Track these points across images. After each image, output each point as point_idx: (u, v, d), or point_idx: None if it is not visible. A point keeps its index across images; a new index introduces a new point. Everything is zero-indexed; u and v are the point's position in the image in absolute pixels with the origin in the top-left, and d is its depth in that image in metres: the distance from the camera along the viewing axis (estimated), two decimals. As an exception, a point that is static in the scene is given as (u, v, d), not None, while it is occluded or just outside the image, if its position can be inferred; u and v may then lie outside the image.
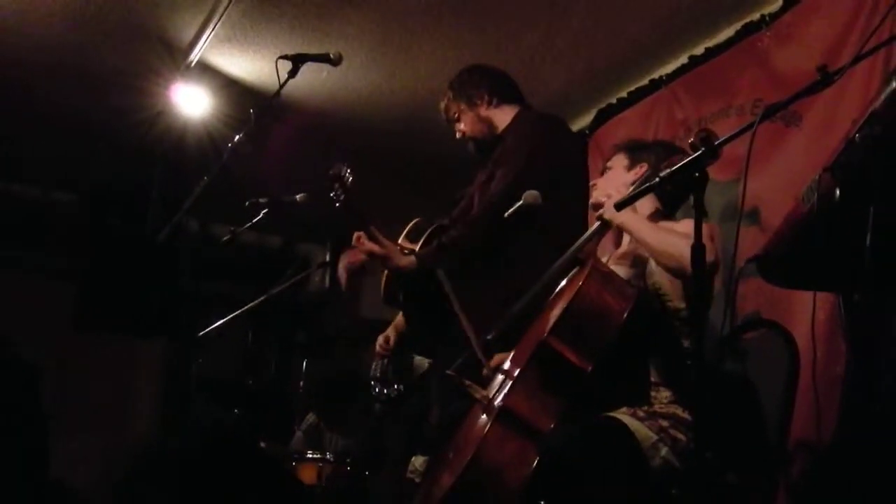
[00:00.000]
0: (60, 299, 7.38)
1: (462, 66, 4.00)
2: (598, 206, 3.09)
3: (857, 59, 2.14)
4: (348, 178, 3.36)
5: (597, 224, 3.00)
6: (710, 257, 2.52)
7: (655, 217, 3.09)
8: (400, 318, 4.30)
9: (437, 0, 4.93)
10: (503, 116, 3.76)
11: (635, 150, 3.22)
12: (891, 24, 3.55)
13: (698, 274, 2.22)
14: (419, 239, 3.74)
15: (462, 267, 3.38)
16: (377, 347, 4.44)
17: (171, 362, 7.73)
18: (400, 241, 3.75)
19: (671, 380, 2.80)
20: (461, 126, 3.80)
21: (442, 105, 3.88)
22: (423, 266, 3.37)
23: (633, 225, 2.86)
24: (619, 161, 3.22)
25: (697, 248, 2.23)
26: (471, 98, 3.77)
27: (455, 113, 3.81)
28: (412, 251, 3.54)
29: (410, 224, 3.92)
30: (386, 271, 3.70)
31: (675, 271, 2.71)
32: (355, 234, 3.41)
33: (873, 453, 2.13)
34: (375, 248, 3.36)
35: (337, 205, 3.37)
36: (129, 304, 7.14)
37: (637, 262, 2.97)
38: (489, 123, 3.76)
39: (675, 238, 2.69)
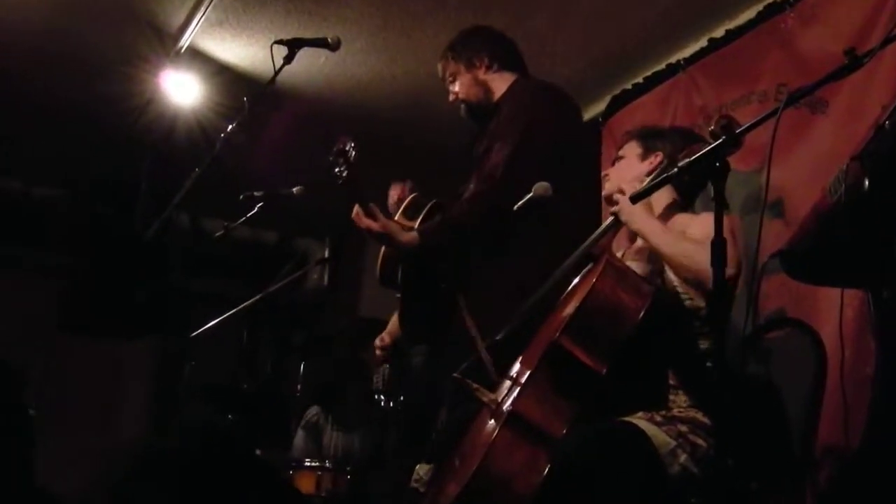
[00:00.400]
0: (46, 297, 7.39)
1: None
2: (610, 198, 3.08)
3: (887, 40, 2.13)
4: (352, 154, 3.35)
5: (610, 219, 2.99)
6: (730, 270, 2.50)
7: (672, 209, 3.08)
8: (395, 319, 4.31)
9: (442, -19, 4.93)
10: (501, 83, 3.74)
11: (649, 138, 3.21)
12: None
13: (719, 271, 2.20)
14: (417, 216, 3.75)
15: (464, 245, 3.40)
16: (376, 351, 4.44)
17: (161, 364, 7.73)
18: (396, 218, 3.75)
19: (690, 383, 2.79)
20: (455, 88, 3.78)
21: (439, 65, 3.86)
22: (425, 242, 3.36)
23: (649, 232, 2.83)
24: (632, 149, 3.21)
25: (718, 244, 2.22)
26: (470, 60, 3.75)
27: (452, 74, 3.79)
28: (412, 228, 3.53)
29: (407, 200, 3.93)
30: (383, 250, 3.72)
31: (692, 283, 2.71)
32: (354, 210, 3.38)
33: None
34: (375, 224, 3.33)
35: (339, 181, 3.36)
36: (117, 304, 7.14)
37: (654, 257, 2.95)
38: (485, 88, 3.74)
39: (692, 248, 2.67)
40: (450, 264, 3.44)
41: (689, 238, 2.79)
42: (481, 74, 3.74)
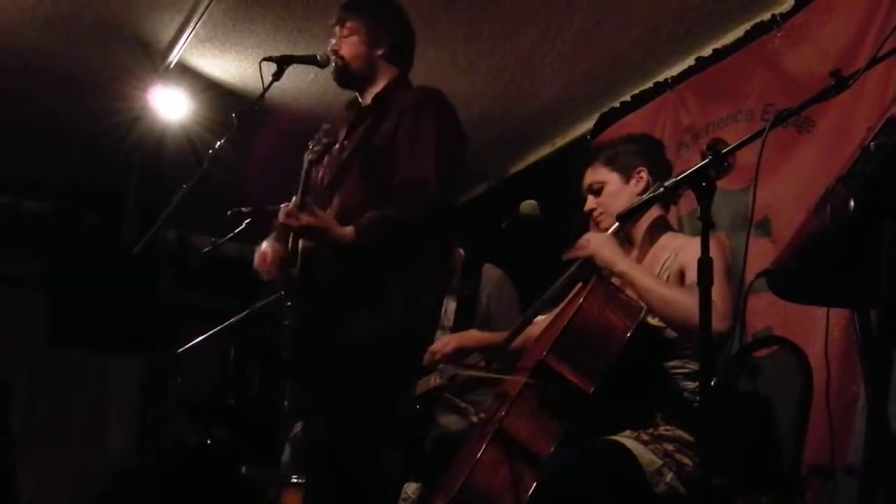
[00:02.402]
0: (33, 311, 7.37)
1: (456, 68, 3.95)
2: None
3: (872, 62, 2.14)
4: (331, 147, 3.29)
5: (576, 266, 2.99)
6: (716, 326, 2.46)
7: (659, 229, 3.10)
8: None
9: (431, -1, 4.94)
10: (385, 74, 3.58)
11: (616, 159, 3.21)
12: (908, 25, 3.56)
13: (704, 289, 2.21)
14: None
15: (396, 247, 3.24)
16: None
17: (147, 379, 7.70)
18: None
19: (679, 401, 2.80)
20: (341, 43, 3.57)
21: (342, 10, 3.64)
22: (361, 237, 3.18)
23: (635, 277, 2.84)
24: (604, 174, 3.20)
25: (705, 262, 2.22)
26: (376, 34, 3.57)
27: (350, 30, 3.57)
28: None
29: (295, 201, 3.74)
30: (301, 249, 3.45)
31: (680, 333, 2.72)
32: (283, 210, 3.19)
33: (890, 479, 2.13)
34: (312, 219, 3.16)
35: (304, 166, 3.24)
36: (103, 319, 7.12)
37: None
38: (371, 70, 3.57)
39: (681, 297, 2.68)
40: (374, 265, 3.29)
41: (678, 286, 2.79)
42: (375, 56, 3.57)
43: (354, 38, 3.56)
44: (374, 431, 3.11)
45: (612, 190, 3.18)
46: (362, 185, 3.41)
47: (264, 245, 3.55)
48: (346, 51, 3.54)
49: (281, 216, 3.20)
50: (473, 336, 3.16)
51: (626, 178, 3.17)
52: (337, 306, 3.29)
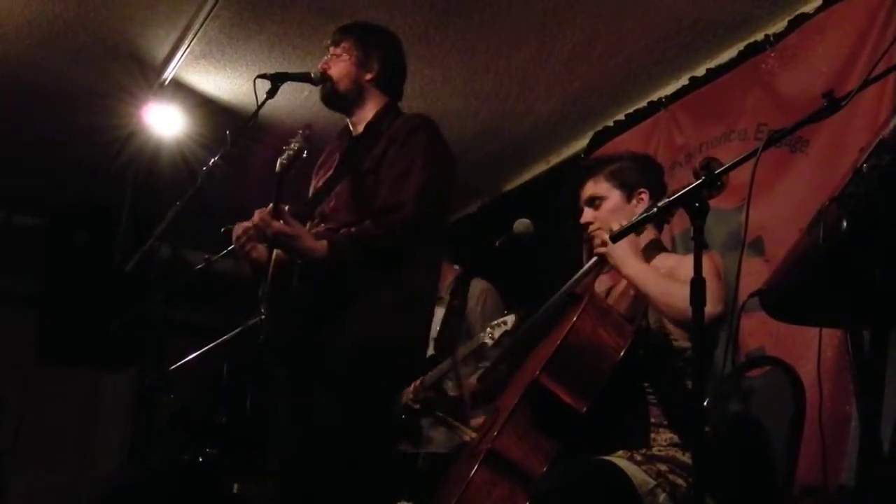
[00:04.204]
0: (24, 328, 7.34)
1: (450, 85, 3.95)
2: (591, 239, 3.09)
3: (865, 83, 2.15)
4: (304, 152, 3.27)
5: (594, 259, 3.00)
6: (711, 308, 2.50)
7: (654, 249, 3.10)
8: None
9: (425, 17, 4.95)
10: (374, 101, 3.60)
11: (619, 175, 3.20)
12: (902, 45, 3.57)
13: (698, 309, 2.21)
14: None
15: (369, 266, 3.23)
16: None
17: (138, 396, 7.68)
18: None
19: (673, 421, 2.80)
20: (333, 62, 3.59)
21: (336, 33, 3.67)
22: (332, 253, 3.17)
23: (637, 274, 2.84)
24: (605, 189, 3.20)
25: (698, 283, 2.23)
26: (367, 58, 3.59)
27: (343, 50, 3.60)
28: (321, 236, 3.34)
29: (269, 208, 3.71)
30: (274, 257, 3.42)
31: (678, 324, 2.72)
32: (257, 215, 3.18)
33: (883, 499, 2.13)
34: (286, 227, 3.13)
35: (277, 169, 3.20)
36: (95, 335, 7.10)
37: (639, 298, 2.97)
38: (361, 94, 3.59)
39: (678, 288, 2.68)
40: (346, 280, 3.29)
41: (675, 278, 2.80)
42: (364, 79, 3.58)
43: (345, 58, 3.57)
44: (364, 444, 3.09)
45: (612, 206, 3.16)
46: (347, 207, 3.42)
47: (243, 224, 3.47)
48: (334, 70, 3.56)
49: (254, 219, 3.19)
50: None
51: (629, 196, 3.17)
52: (312, 317, 3.28)
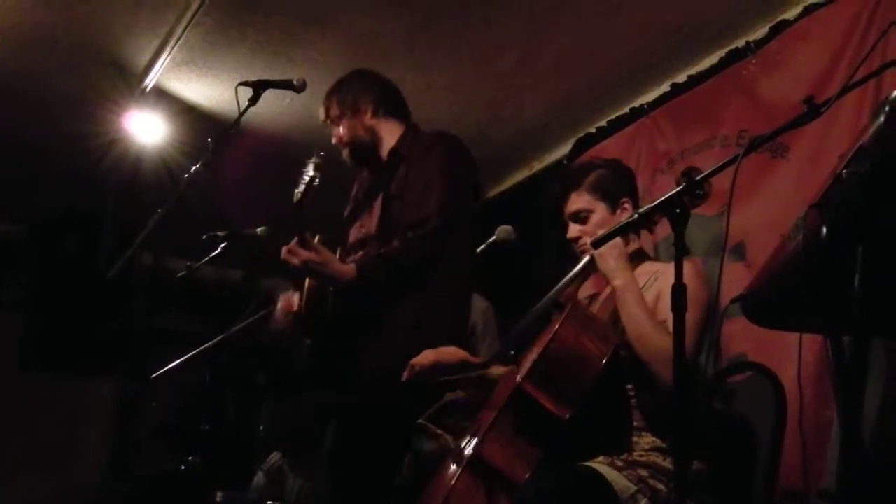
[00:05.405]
0: (7, 334, 7.31)
1: (434, 92, 4.01)
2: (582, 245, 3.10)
3: (844, 90, 2.16)
4: (316, 180, 3.32)
5: (586, 259, 3.01)
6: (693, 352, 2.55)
7: (639, 258, 3.10)
8: None
9: (408, 23, 4.95)
10: (388, 129, 3.75)
11: (600, 187, 3.19)
12: (882, 52, 3.59)
13: (679, 315, 2.21)
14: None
15: (398, 284, 3.35)
16: None
17: (121, 404, 7.65)
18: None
19: (655, 425, 2.80)
20: (340, 131, 3.76)
21: (322, 107, 3.83)
22: (362, 276, 3.30)
23: (625, 299, 2.84)
24: (590, 202, 3.19)
25: (679, 288, 2.23)
26: (355, 104, 3.74)
27: (336, 117, 3.77)
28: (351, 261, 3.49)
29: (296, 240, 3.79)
30: (307, 286, 3.58)
31: (644, 365, 2.72)
32: (284, 249, 3.27)
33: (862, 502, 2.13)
34: (313, 255, 3.24)
35: (294, 200, 3.25)
36: (78, 342, 7.07)
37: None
38: (371, 133, 3.74)
39: (656, 337, 2.69)
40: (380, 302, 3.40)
41: (658, 326, 2.78)
42: (367, 119, 3.73)
43: (342, 120, 3.74)
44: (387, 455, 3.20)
45: (599, 220, 3.14)
46: (378, 233, 3.55)
47: (288, 295, 3.68)
48: (344, 134, 3.73)
49: (283, 254, 3.27)
50: (452, 352, 3.15)
51: (614, 208, 3.16)
52: (351, 338, 3.41)
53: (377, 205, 3.63)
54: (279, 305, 3.67)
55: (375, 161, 3.77)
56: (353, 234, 3.73)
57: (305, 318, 3.53)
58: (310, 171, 3.26)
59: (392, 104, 3.80)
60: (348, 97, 3.75)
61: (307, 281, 3.52)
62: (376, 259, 3.37)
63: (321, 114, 3.84)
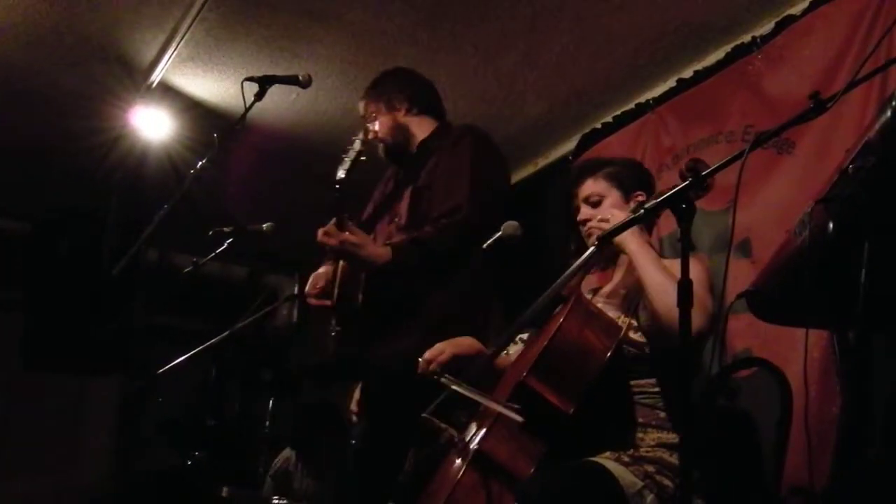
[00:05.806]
0: (8, 333, 7.32)
1: (437, 88, 4.02)
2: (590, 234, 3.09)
3: (850, 85, 2.15)
4: (362, 156, 3.37)
5: (592, 249, 3.00)
6: (698, 323, 2.51)
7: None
8: None
9: (413, 20, 4.95)
10: (421, 126, 3.84)
11: (617, 177, 3.20)
12: (887, 47, 3.58)
13: (685, 312, 2.21)
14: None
15: (431, 269, 3.40)
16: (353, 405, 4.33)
17: (126, 401, 7.67)
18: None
19: (663, 421, 2.80)
20: (375, 127, 3.83)
21: (361, 103, 3.94)
22: (397, 257, 3.34)
23: (639, 255, 2.84)
24: (604, 189, 3.19)
25: (685, 284, 2.23)
26: (390, 101, 3.84)
27: (373, 113, 3.86)
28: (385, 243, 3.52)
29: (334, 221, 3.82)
30: (340, 271, 3.65)
31: (662, 322, 2.70)
32: (321, 230, 3.31)
33: (867, 500, 2.13)
34: (351, 237, 3.28)
35: (338, 177, 3.36)
36: (81, 340, 7.07)
37: (627, 300, 2.97)
38: (405, 130, 3.83)
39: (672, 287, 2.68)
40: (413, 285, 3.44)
41: (673, 274, 2.78)
42: (401, 117, 3.83)
43: (377, 117, 3.83)
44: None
45: (611, 204, 3.14)
46: (408, 222, 3.61)
47: (320, 270, 3.75)
48: (380, 131, 3.81)
49: (319, 235, 3.31)
50: (468, 343, 3.14)
51: (627, 198, 3.16)
52: (381, 327, 3.46)
53: (406, 196, 3.69)
54: (309, 282, 3.73)
55: (407, 157, 3.84)
56: (383, 228, 3.78)
57: (338, 304, 3.60)
58: (356, 147, 3.32)
59: (426, 102, 3.89)
60: (383, 95, 3.86)
61: (340, 265, 3.59)
62: (410, 242, 3.41)
63: (360, 110, 3.93)
